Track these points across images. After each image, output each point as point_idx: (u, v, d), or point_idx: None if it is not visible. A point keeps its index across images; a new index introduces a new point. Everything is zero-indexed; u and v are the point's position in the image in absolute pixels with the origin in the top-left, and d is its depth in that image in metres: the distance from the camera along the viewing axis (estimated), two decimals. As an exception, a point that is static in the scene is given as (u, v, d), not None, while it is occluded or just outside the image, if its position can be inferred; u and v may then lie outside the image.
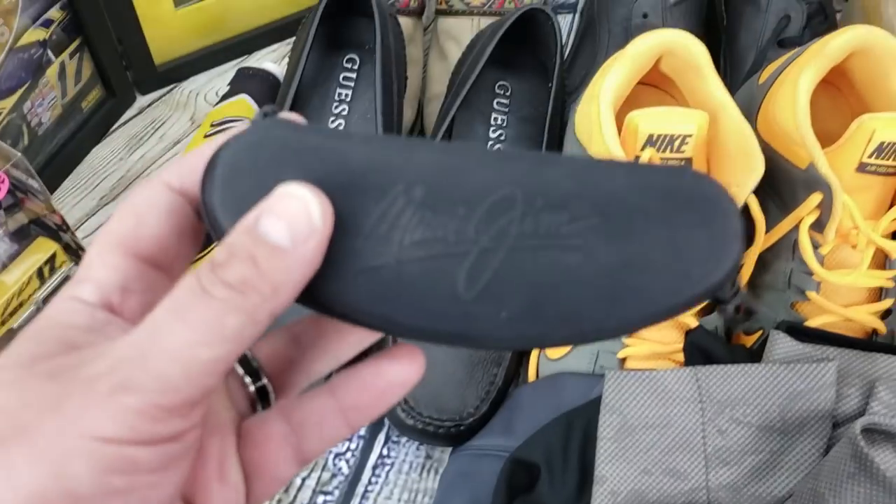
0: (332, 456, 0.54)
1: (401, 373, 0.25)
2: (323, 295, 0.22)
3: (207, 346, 0.20)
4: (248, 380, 0.27)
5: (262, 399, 0.27)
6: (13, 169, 0.55)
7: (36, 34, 0.66)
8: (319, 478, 0.54)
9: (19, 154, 0.54)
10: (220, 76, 0.80)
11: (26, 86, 0.66)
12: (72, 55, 0.70)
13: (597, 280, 0.22)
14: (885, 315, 0.50)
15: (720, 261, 0.22)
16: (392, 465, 0.54)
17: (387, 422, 0.55)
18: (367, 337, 0.27)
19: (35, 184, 0.57)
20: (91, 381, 0.20)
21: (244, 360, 0.27)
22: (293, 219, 0.21)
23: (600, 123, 0.49)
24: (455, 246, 0.22)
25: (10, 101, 0.65)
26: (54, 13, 0.67)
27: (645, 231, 0.22)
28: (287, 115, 0.24)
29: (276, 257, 0.21)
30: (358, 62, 0.65)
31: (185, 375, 0.20)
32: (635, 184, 0.23)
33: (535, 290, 0.22)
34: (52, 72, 0.68)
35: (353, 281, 0.22)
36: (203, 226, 0.24)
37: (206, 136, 0.68)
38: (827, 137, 0.50)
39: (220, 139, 0.23)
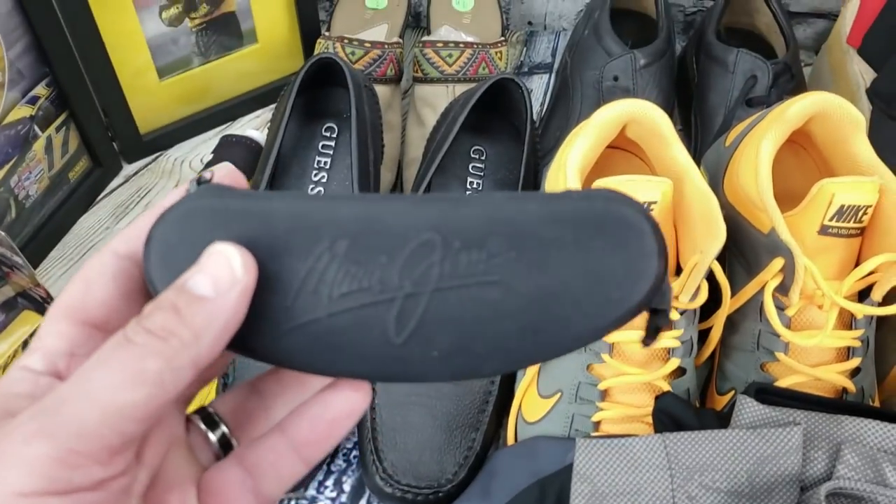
0: (313, 524, 0.54)
1: (347, 403, 0.26)
2: (262, 349, 0.24)
3: (126, 389, 0.21)
4: (210, 434, 0.27)
5: (225, 451, 0.28)
6: (-2, 246, 0.57)
7: (23, 111, 0.68)
8: (301, 547, 0.54)
9: (3, 233, 0.56)
10: (205, 143, 0.81)
11: (13, 160, 0.67)
12: (58, 128, 0.72)
13: (519, 312, 0.23)
14: (854, 374, 0.51)
15: (638, 281, 0.23)
16: (373, 532, 0.54)
17: (367, 490, 0.55)
18: (325, 380, 0.27)
19: (19, 259, 0.58)
20: (9, 433, 0.21)
21: (205, 414, 0.28)
22: (216, 271, 0.22)
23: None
24: (381, 294, 0.23)
25: (-4, 177, 0.66)
26: (40, 90, 0.69)
27: (560, 260, 0.23)
28: (223, 173, 0.26)
29: (198, 305, 0.22)
30: (336, 130, 0.67)
31: (102, 419, 0.21)
32: (548, 215, 0.24)
33: (461, 327, 0.23)
34: (39, 146, 0.70)
35: (288, 336, 0.23)
36: None
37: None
38: (794, 195, 0.51)
39: (163, 204, 0.25)
